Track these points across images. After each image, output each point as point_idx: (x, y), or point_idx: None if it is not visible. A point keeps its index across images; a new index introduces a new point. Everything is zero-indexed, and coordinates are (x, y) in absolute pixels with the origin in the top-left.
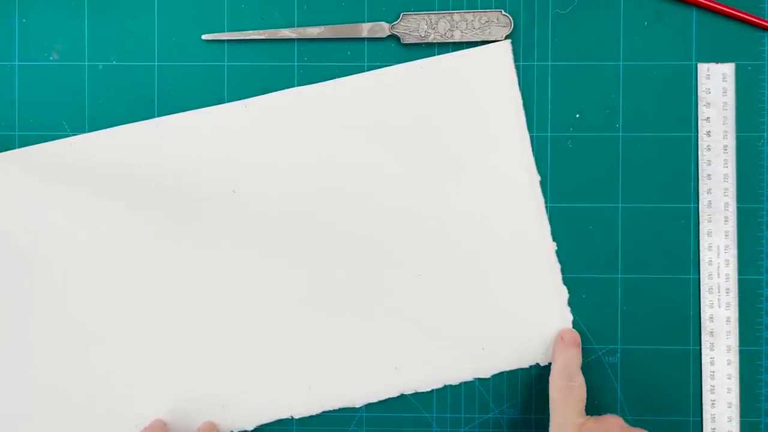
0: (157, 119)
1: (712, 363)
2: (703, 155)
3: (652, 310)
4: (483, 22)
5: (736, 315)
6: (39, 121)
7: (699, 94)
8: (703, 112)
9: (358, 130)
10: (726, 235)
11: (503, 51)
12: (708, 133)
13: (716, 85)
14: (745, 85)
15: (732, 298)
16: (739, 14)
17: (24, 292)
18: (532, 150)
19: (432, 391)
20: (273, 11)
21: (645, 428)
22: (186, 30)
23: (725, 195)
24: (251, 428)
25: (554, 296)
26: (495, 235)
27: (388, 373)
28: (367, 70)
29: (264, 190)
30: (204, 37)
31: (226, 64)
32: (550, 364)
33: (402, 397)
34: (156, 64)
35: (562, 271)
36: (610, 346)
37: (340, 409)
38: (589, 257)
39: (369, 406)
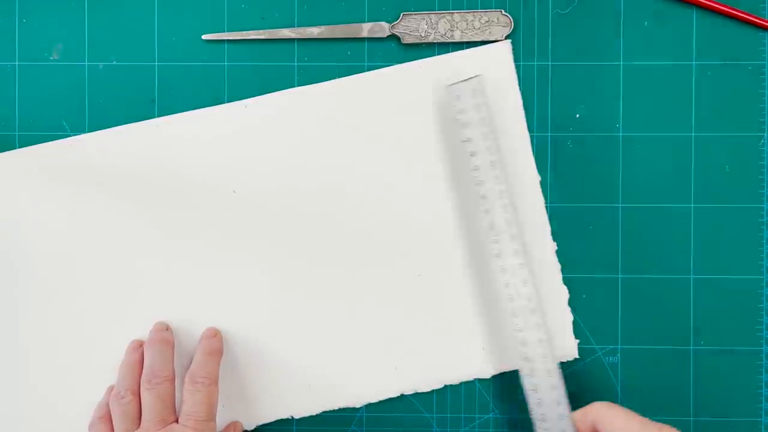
0: (157, 119)
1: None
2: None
3: (652, 310)
4: (483, 22)
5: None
6: (39, 121)
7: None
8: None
9: (358, 130)
10: None
11: (503, 51)
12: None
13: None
14: (745, 85)
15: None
16: (739, 14)
17: (24, 292)
18: (532, 150)
19: (432, 391)
20: (273, 11)
21: None
22: (186, 30)
23: None
24: (251, 428)
25: (554, 296)
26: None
27: (388, 373)
28: (367, 70)
29: (264, 190)
30: (204, 37)
31: (226, 64)
32: None
33: (402, 397)
34: (156, 64)
35: (562, 271)
36: (610, 346)
37: (340, 409)
38: (589, 257)
39: (369, 406)
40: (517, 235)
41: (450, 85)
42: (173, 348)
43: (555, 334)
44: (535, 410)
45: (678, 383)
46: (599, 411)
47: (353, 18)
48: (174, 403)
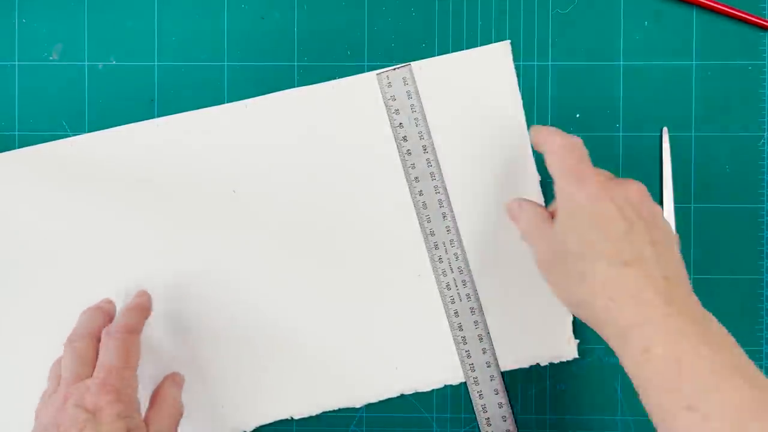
0: (157, 119)
1: None
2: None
3: None
4: None
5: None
6: (39, 121)
7: None
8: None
9: (358, 130)
10: None
11: (503, 51)
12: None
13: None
14: (745, 85)
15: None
16: (739, 14)
17: (23, 291)
18: (532, 150)
19: (432, 391)
20: (273, 11)
21: (645, 429)
22: (186, 30)
23: None
24: (251, 428)
25: (554, 296)
26: (495, 235)
27: (388, 373)
28: (367, 70)
29: (264, 190)
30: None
31: (226, 64)
32: (550, 364)
33: (402, 397)
34: (156, 64)
35: None
36: None
37: (340, 409)
38: None
39: (369, 406)
40: (448, 214)
41: (379, 73)
42: (100, 312)
43: (555, 334)
44: (481, 415)
45: None
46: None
47: (353, 18)
48: (93, 360)
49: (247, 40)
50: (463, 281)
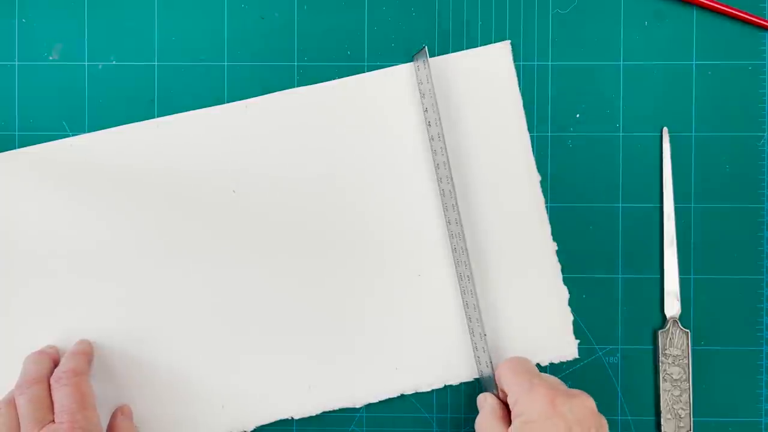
0: (157, 119)
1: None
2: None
3: (653, 309)
4: None
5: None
6: (39, 121)
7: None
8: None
9: (358, 130)
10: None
11: (503, 51)
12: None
13: None
14: (745, 85)
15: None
16: (739, 14)
17: (24, 291)
18: (532, 150)
19: (432, 391)
20: (273, 11)
21: (645, 429)
22: (186, 30)
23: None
24: (251, 428)
25: (554, 296)
26: (495, 235)
27: (388, 373)
28: (368, 71)
29: (264, 190)
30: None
31: (226, 64)
32: (550, 364)
33: (402, 397)
34: (156, 64)
35: (562, 271)
36: (610, 346)
37: (340, 409)
38: (589, 257)
39: (369, 406)
40: (454, 205)
41: (415, 54)
42: (45, 357)
43: (555, 334)
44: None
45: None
46: (501, 371)
47: (353, 18)
48: (50, 404)
49: (247, 40)
50: (468, 276)
